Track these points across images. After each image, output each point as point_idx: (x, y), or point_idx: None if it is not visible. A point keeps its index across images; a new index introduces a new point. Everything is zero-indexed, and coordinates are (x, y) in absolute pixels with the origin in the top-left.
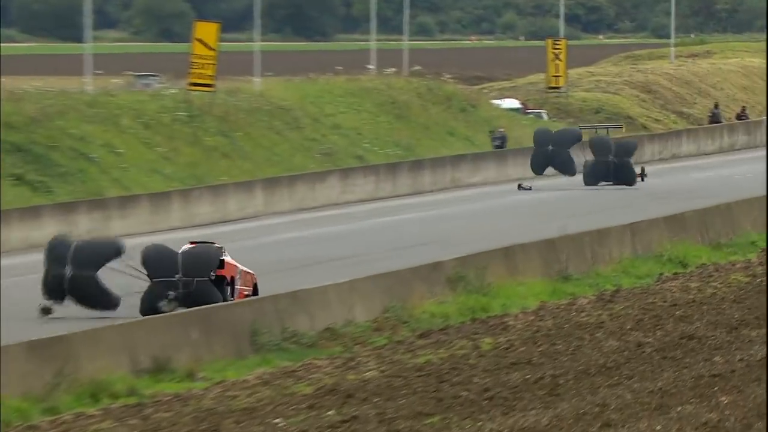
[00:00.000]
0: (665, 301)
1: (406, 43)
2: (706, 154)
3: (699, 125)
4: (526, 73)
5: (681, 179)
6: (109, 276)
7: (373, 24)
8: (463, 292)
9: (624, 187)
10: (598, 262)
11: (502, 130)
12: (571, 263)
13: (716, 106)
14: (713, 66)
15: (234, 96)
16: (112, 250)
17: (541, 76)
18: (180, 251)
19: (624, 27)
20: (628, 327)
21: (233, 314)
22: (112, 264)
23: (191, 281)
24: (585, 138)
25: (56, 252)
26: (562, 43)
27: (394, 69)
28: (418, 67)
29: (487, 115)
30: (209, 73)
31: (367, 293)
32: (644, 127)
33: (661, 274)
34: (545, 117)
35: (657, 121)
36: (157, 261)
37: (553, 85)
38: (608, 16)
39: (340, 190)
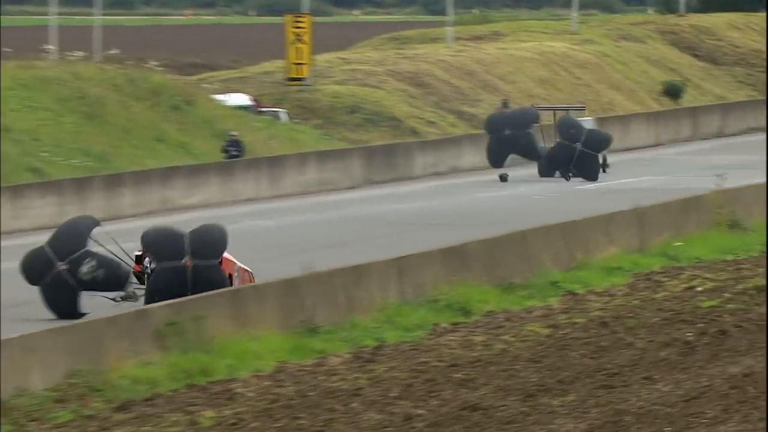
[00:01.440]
0: (442, 361)
1: (97, 18)
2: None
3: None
4: (259, 60)
5: (462, 200)
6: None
7: None
8: (176, 350)
9: (584, 181)
10: (354, 309)
11: (235, 134)
12: (319, 311)
13: (505, 103)
14: (503, 52)
15: None
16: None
17: (279, 63)
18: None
19: (387, 0)
20: (394, 394)
21: None
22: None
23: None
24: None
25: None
26: (306, 20)
27: (82, 53)
28: (114, 51)
29: (207, 115)
30: None
31: (46, 352)
32: (414, 132)
33: (436, 324)
34: (284, 117)
35: (431, 123)
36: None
37: (295, 75)
38: None
39: (9, 214)
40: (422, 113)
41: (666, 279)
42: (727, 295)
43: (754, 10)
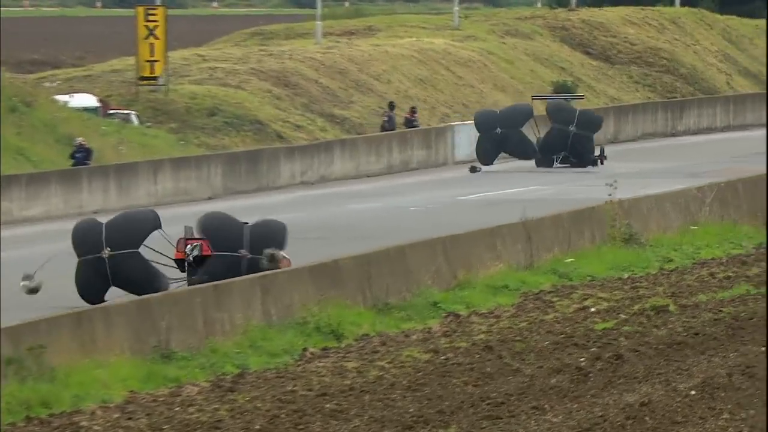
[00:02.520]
0: (311, 389)
1: None
2: (369, 176)
3: (358, 134)
4: (107, 57)
5: (334, 212)
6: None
7: None
8: (14, 379)
9: (581, 170)
10: (214, 332)
11: (81, 140)
12: (174, 334)
13: (392, 106)
14: (377, 49)
15: None
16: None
17: (130, 60)
18: None
19: None
20: (257, 427)
21: None
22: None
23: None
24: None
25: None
26: (160, 12)
27: None
28: None
29: (49, 118)
30: None
31: None
32: (279, 137)
33: (305, 349)
34: (136, 120)
35: (298, 127)
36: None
37: (147, 74)
38: None
39: None
40: (289, 116)
41: (556, 299)
42: (622, 316)
43: (651, 4)
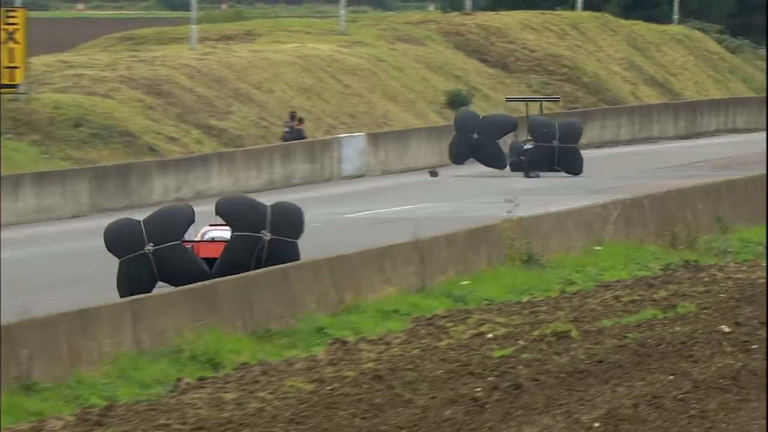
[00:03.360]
0: (185, 423)
1: None
2: (249, 192)
3: (237, 146)
4: None
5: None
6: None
7: None
8: None
9: (568, 175)
10: (80, 361)
11: None
12: (37, 364)
13: (293, 116)
14: (258, 55)
15: None
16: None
17: None
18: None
19: None
20: None
21: None
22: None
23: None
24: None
25: None
26: (20, 14)
27: None
28: None
29: None
30: None
31: None
32: (152, 149)
33: (179, 379)
34: None
35: (172, 139)
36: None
37: (7, 81)
38: None
39: None
40: (162, 127)
41: (451, 324)
42: (521, 342)
43: (552, 8)
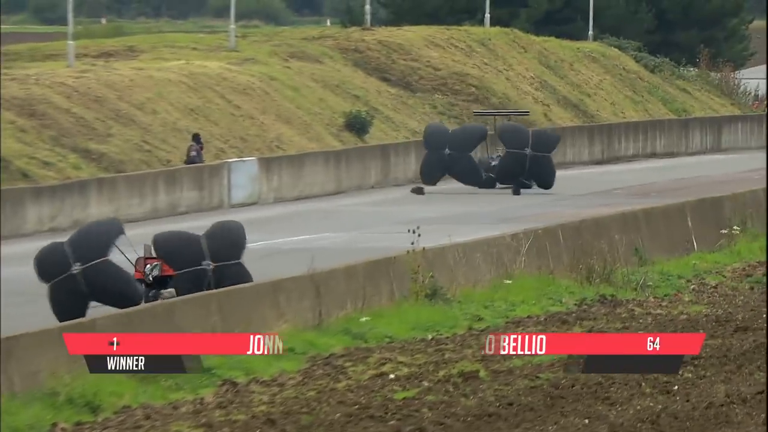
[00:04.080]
0: None
1: None
2: (131, 221)
3: (118, 172)
4: None
5: None
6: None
7: None
8: None
9: (541, 191)
10: None
11: None
12: None
13: (196, 138)
14: (140, 73)
15: None
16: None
17: None
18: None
19: None
20: None
21: None
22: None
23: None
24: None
25: None
26: None
27: None
28: None
29: None
30: None
31: None
32: (24, 175)
33: (54, 424)
34: None
35: (47, 164)
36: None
37: None
38: None
39: None
40: (36, 151)
41: (350, 363)
42: (426, 384)
43: (457, 23)
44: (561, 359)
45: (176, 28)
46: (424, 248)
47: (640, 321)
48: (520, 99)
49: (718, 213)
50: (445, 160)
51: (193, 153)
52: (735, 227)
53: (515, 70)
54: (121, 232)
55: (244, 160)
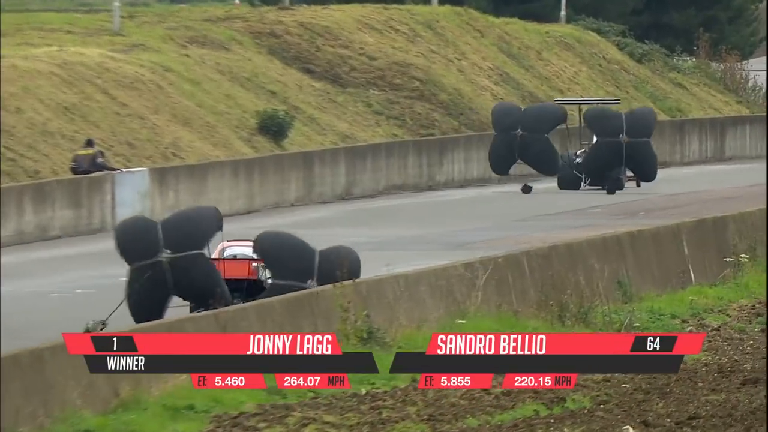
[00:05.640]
0: None
1: None
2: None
3: None
4: None
5: None
6: None
7: None
8: None
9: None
10: None
11: None
12: None
13: (90, 143)
14: (2, 62)
15: None
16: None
17: None
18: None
19: None
20: None
21: None
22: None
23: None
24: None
25: None
26: None
27: None
28: None
29: None
30: None
31: None
32: None
33: None
34: None
35: None
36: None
37: None
38: None
39: None
40: None
41: (264, 424)
42: None
43: (399, 1)
44: (525, 417)
45: (46, 6)
46: (355, 281)
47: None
48: (475, 95)
49: (720, 237)
50: (517, 143)
51: (100, 159)
52: (742, 255)
53: (470, 59)
54: (221, 225)
55: (131, 171)
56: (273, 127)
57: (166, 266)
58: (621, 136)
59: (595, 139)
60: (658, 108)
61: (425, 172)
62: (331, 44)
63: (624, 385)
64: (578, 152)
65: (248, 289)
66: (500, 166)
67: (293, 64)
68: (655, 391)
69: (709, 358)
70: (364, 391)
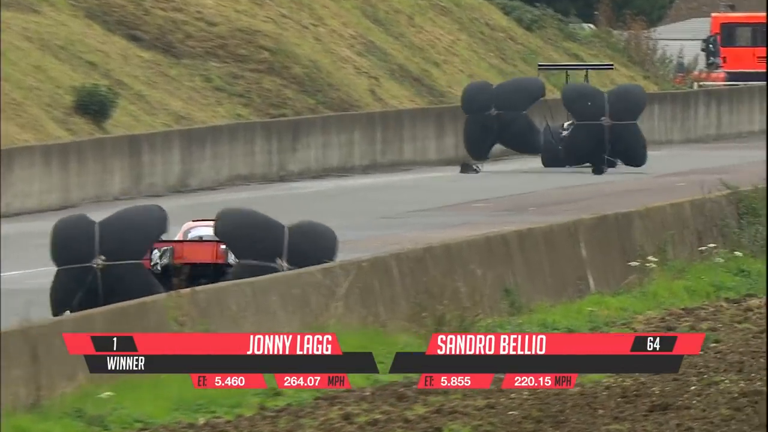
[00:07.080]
0: None
1: None
2: None
3: None
4: None
5: None
6: None
7: None
8: None
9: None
10: None
11: None
12: None
13: None
14: None
15: None
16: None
17: None
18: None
19: None
20: None
21: None
22: None
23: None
24: None
25: None
26: None
27: None
28: None
29: None
30: None
31: None
32: None
33: None
34: None
35: None
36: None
37: None
38: None
39: None
40: None
41: None
42: None
43: None
44: None
45: None
46: (193, 289)
47: (512, 396)
48: (335, 69)
49: (625, 237)
50: (492, 123)
51: None
52: (649, 258)
53: (328, 25)
54: (165, 227)
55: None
56: (93, 106)
57: (98, 273)
58: (603, 118)
59: (572, 121)
60: (551, 84)
61: (276, 160)
62: (161, 6)
63: (511, 413)
64: (566, 124)
65: (215, 274)
66: (477, 150)
67: (117, 30)
68: (548, 419)
69: (611, 380)
70: (201, 421)
